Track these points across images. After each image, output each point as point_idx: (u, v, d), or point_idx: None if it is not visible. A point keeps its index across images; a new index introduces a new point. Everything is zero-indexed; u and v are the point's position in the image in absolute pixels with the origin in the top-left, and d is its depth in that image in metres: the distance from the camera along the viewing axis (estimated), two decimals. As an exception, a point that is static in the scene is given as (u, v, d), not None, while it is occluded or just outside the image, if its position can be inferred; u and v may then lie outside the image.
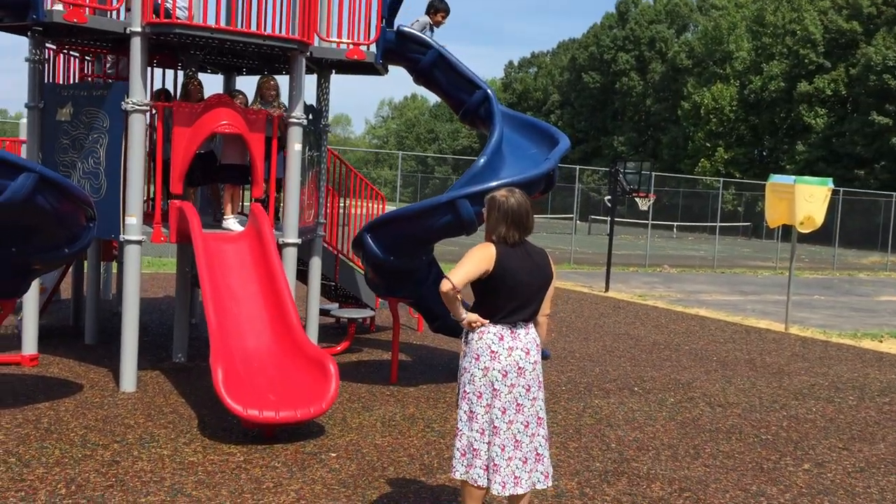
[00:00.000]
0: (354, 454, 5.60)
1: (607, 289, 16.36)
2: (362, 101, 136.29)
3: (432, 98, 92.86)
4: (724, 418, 7.11)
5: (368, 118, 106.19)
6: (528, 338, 4.10)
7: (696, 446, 6.24)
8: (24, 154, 8.42)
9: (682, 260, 26.42)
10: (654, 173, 19.44)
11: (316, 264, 8.74)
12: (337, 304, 10.01)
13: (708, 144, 51.75)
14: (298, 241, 7.70)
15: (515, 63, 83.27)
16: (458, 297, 4.03)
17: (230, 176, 7.72)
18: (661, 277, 20.22)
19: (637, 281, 18.90)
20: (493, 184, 6.73)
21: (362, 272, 9.76)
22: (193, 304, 9.41)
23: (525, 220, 4.12)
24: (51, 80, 7.94)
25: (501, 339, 4.05)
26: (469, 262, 4.02)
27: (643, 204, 17.49)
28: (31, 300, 7.54)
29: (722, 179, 32.90)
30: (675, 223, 42.98)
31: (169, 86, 8.89)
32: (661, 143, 57.85)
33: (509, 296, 4.04)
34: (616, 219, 17.29)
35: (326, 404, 5.80)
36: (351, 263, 9.87)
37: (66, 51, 8.35)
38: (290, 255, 7.61)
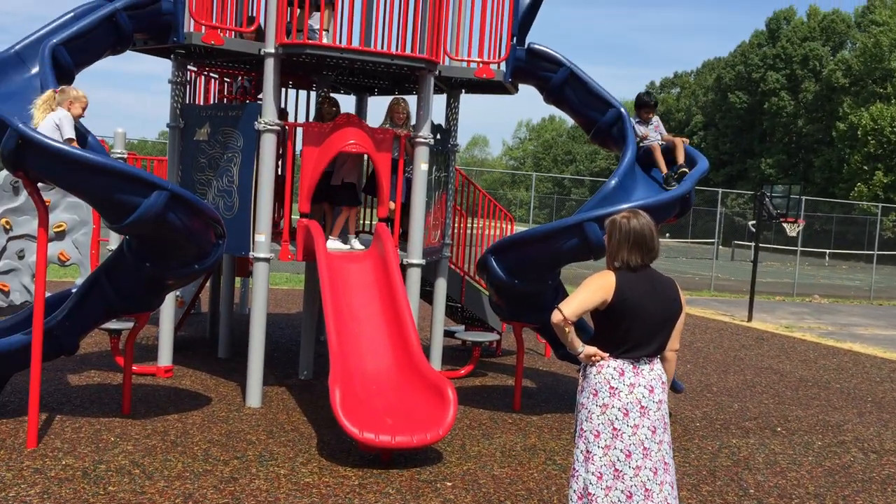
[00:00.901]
0: (471, 484, 5.39)
1: (750, 318, 15.48)
2: (500, 123, 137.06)
3: (570, 119, 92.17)
4: (879, 467, 6.45)
5: (506, 139, 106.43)
6: (652, 374, 3.79)
7: (845, 497, 5.67)
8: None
9: (835, 290, 24.77)
10: (804, 197, 18.33)
11: (441, 285, 8.63)
12: (463, 327, 9.87)
13: (865, 168, 48.66)
14: (423, 261, 7.61)
15: (657, 83, 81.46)
16: (572, 328, 3.76)
17: (349, 197, 7.73)
18: (811, 308, 18.98)
19: (783, 311, 17.82)
20: (624, 206, 6.41)
21: (488, 294, 9.59)
22: (321, 321, 9.49)
23: (648, 244, 3.81)
24: (191, 101, 8.23)
25: (622, 374, 3.76)
26: (585, 291, 3.76)
27: (791, 230, 16.51)
28: (167, 313, 7.79)
29: (881, 205, 30.75)
30: (828, 250, 40.53)
31: (290, 105, 9.07)
32: (814, 166, 54.93)
33: (631, 328, 3.74)
34: (762, 245, 16.37)
35: (443, 431, 5.63)
36: (477, 285, 9.71)
37: (205, 73, 8.65)
38: (414, 275, 7.53)
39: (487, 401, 7.64)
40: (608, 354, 3.79)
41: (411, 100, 8.13)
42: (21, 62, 6.18)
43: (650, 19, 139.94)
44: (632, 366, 3.77)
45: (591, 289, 3.74)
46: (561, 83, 7.56)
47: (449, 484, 5.38)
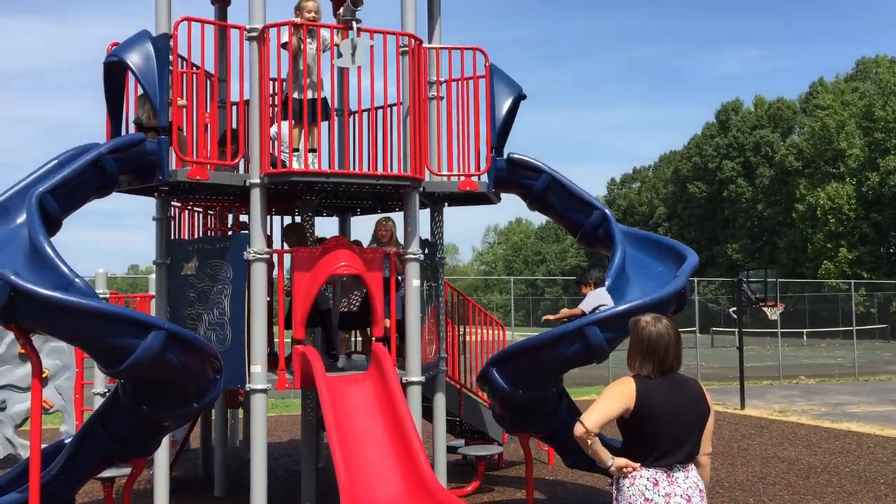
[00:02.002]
0: None
1: (743, 405, 15.36)
2: (468, 229, 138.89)
3: (537, 221, 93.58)
4: (910, 552, 6.29)
5: (475, 245, 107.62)
6: (687, 482, 3.68)
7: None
8: (153, 309, 8.67)
9: (819, 369, 24.79)
10: (779, 280, 18.56)
11: (440, 401, 8.47)
12: (463, 441, 9.66)
13: (829, 246, 49.64)
14: (422, 378, 7.49)
15: (618, 179, 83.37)
16: (596, 440, 3.66)
17: (349, 322, 7.69)
18: (800, 390, 18.92)
19: (774, 395, 17.73)
20: (622, 307, 6.42)
21: (487, 406, 9.44)
22: (319, 448, 9.24)
23: (671, 350, 3.77)
24: (176, 236, 8.21)
25: (656, 484, 3.65)
26: (605, 400, 3.68)
27: (773, 313, 16.63)
28: (161, 455, 7.53)
29: (852, 281, 31.19)
30: (805, 329, 40.80)
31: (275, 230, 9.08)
32: (779, 248, 55.91)
33: (658, 435, 3.65)
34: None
35: (464, 556, 5.40)
36: (475, 397, 9.56)
37: (189, 207, 8.67)
38: (415, 393, 7.39)
39: (500, 517, 7.41)
40: (639, 464, 3.69)
41: (394, 216, 8.21)
42: (6, 213, 6.16)
43: (605, 119, 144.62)
44: (665, 474, 3.66)
45: (612, 397, 3.68)
46: (543, 189, 7.68)
47: None
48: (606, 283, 6.84)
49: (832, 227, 49.34)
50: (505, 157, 7.87)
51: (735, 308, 17.69)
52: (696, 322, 24.55)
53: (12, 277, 5.06)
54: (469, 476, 8.67)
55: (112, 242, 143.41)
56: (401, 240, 7.73)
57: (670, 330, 3.79)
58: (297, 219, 8.95)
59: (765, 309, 16.27)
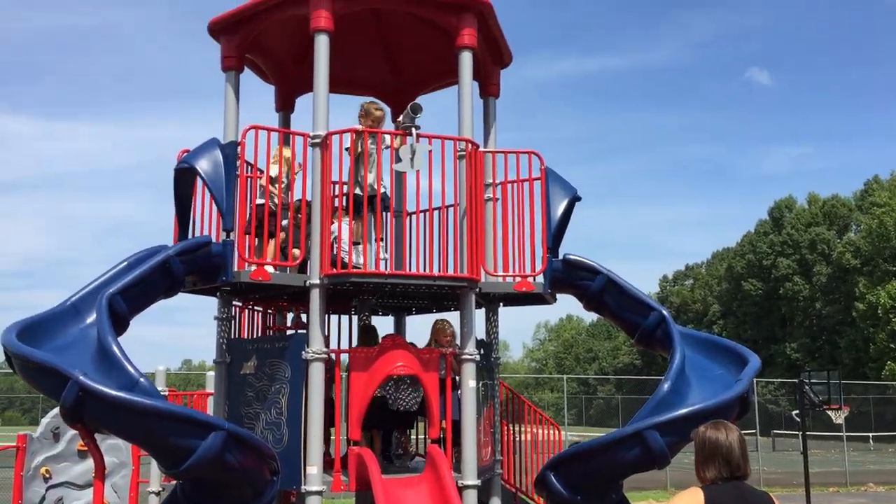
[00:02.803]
0: None
1: (811, 514, 14.71)
2: (519, 326, 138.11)
3: (588, 318, 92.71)
4: None
5: (526, 341, 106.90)
6: None
7: None
8: (210, 407, 8.75)
9: (888, 476, 23.69)
10: (842, 382, 18.00)
11: (496, 505, 8.30)
12: (518, 548, 9.39)
13: (893, 346, 48.15)
14: (478, 482, 7.37)
15: (670, 276, 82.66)
16: None
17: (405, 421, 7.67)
18: (869, 498, 18.08)
19: (841, 503, 16.96)
20: (683, 411, 6.31)
21: (544, 511, 9.21)
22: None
23: (734, 454, 3.69)
24: (236, 335, 8.35)
25: None
26: None
27: (837, 417, 16.07)
28: (214, 557, 7.47)
29: (919, 383, 30.04)
30: (871, 434, 39.22)
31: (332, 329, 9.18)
32: (839, 347, 54.39)
33: None
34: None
35: None
36: (531, 501, 9.34)
37: (249, 306, 8.84)
38: (471, 497, 7.25)
39: None
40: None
41: (450, 316, 8.26)
42: (77, 313, 6.35)
43: (656, 216, 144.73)
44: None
45: None
46: (600, 291, 7.68)
47: None
48: (665, 386, 6.73)
49: (895, 325, 47.96)
50: (560, 257, 7.92)
51: (798, 411, 17.15)
52: (756, 424, 23.83)
53: (81, 378, 5.19)
54: (525, 585, 8.39)
55: (165, 337, 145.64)
56: (456, 340, 7.76)
57: (733, 434, 3.72)
58: (354, 318, 9.06)
59: (829, 412, 15.74)
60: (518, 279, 7.84)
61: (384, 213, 8.04)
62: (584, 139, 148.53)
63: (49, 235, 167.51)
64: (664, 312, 7.46)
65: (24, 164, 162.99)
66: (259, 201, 7.46)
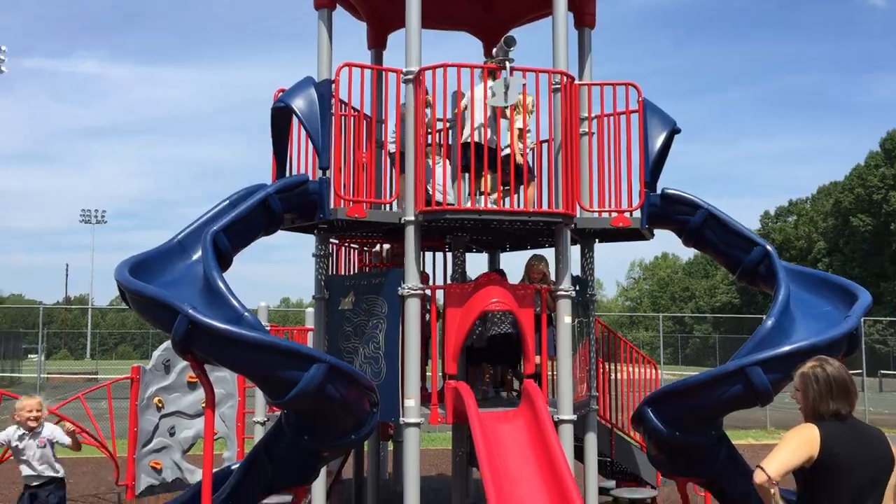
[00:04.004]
0: None
1: (920, 456, 14.19)
2: (613, 265, 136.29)
3: (685, 255, 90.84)
4: None
5: (620, 280, 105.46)
6: (871, 538, 3.43)
7: None
8: (310, 342, 9.00)
9: None
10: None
11: (592, 440, 8.33)
12: (614, 482, 9.42)
13: None
14: (574, 417, 7.39)
15: (772, 212, 79.90)
16: (776, 488, 3.48)
17: (499, 351, 7.71)
18: (985, 440, 17.31)
19: (955, 445, 16.30)
20: (788, 348, 6.11)
21: (640, 447, 9.19)
22: (467, 484, 9.25)
23: (851, 389, 3.57)
24: (333, 272, 8.52)
25: (835, 539, 3.42)
26: (788, 447, 3.50)
27: (952, 356, 15.31)
28: (319, 485, 7.76)
29: None
30: None
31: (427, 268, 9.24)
32: (954, 285, 51.82)
33: (841, 486, 3.43)
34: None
35: None
36: (628, 438, 9.32)
37: (346, 243, 8.99)
38: (567, 432, 7.30)
39: (655, 564, 7.14)
40: (817, 516, 3.48)
41: (545, 252, 8.19)
42: (183, 250, 6.56)
43: (758, 150, 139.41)
44: (846, 528, 3.43)
45: (795, 445, 3.49)
46: (700, 225, 7.46)
47: None
48: (769, 322, 6.53)
49: None
50: (659, 192, 7.72)
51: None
52: (862, 364, 23.03)
53: (190, 311, 5.39)
54: (621, 519, 8.43)
55: (264, 276, 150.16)
56: (551, 276, 7.72)
57: (842, 371, 3.59)
58: (449, 255, 9.09)
59: (942, 351, 15.03)
60: (614, 214, 7.70)
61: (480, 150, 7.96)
62: (683, 71, 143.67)
63: (149, 178, 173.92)
64: (768, 247, 7.20)
65: (124, 109, 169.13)
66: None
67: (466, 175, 7.94)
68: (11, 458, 7.55)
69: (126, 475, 10.38)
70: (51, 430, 7.08)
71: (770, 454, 3.51)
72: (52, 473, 7.02)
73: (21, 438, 6.92)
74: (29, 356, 44.12)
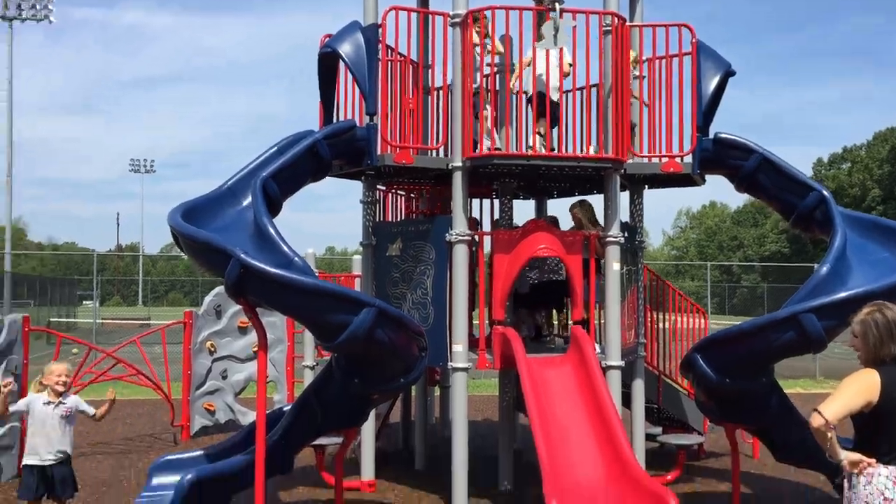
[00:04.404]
0: None
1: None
2: (659, 213, 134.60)
3: (733, 203, 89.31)
4: None
5: (666, 229, 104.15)
6: (931, 482, 3.39)
7: None
8: (357, 288, 9.08)
9: None
10: None
11: (639, 387, 8.33)
12: (660, 429, 9.42)
13: None
14: (622, 363, 7.39)
15: (825, 160, 77.93)
16: (834, 433, 3.44)
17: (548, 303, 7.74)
18: None
19: None
20: (843, 294, 6.02)
21: (687, 394, 9.16)
22: (514, 429, 9.33)
23: None
24: (381, 219, 8.55)
25: (896, 483, 3.38)
26: (847, 392, 3.45)
27: None
28: (368, 427, 7.89)
29: None
30: None
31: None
32: None
33: None
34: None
35: (671, 544, 5.29)
36: (675, 385, 9.30)
37: (393, 190, 8.99)
38: (615, 378, 7.30)
39: (702, 509, 7.16)
40: (875, 461, 3.44)
41: (593, 199, 8.12)
42: (233, 196, 6.62)
43: (811, 96, 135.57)
44: (906, 473, 3.39)
45: (854, 390, 3.44)
46: (753, 170, 7.31)
47: None
48: (824, 268, 6.41)
49: None
50: (711, 136, 7.56)
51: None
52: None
53: (242, 256, 5.46)
54: (666, 465, 8.44)
55: (309, 224, 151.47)
56: (601, 222, 7.65)
57: None
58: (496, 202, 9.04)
59: None
60: (665, 160, 7.56)
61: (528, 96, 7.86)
62: (736, 14, 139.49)
63: (197, 127, 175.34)
64: (824, 192, 7.04)
65: (172, 58, 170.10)
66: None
67: (514, 120, 7.85)
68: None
69: (181, 416, 10.68)
70: (75, 400, 6.14)
71: (828, 399, 3.47)
72: (67, 449, 5.99)
73: (45, 406, 5.93)
74: (83, 302, 45.38)
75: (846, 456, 3.47)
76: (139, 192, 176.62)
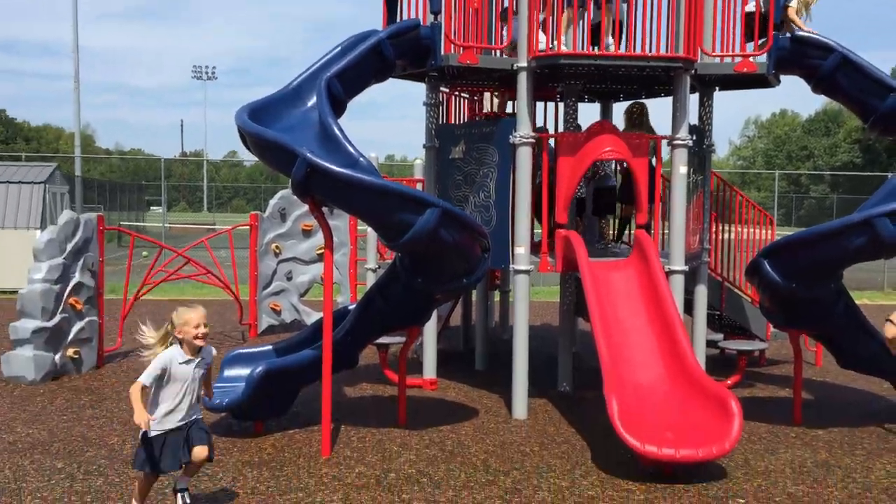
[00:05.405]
0: (766, 502, 5.07)
1: None
2: (725, 121, 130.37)
3: (805, 112, 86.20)
4: None
5: (732, 139, 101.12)
6: None
7: None
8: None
9: None
10: None
11: (702, 292, 8.28)
12: (721, 335, 9.39)
13: None
14: (685, 268, 7.33)
15: (903, 66, 74.21)
16: None
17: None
18: None
19: None
20: (925, 199, 5.82)
21: (751, 301, 9.08)
22: (574, 333, 9.41)
23: None
24: (444, 121, 8.48)
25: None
26: None
27: None
28: (430, 328, 8.05)
29: None
30: None
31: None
32: None
33: None
34: None
35: (730, 444, 5.35)
36: (739, 291, 9.21)
37: (456, 93, 8.89)
38: (678, 282, 7.26)
39: (763, 413, 7.18)
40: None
41: (663, 101, 7.92)
42: (298, 97, 6.62)
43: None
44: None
45: None
46: (832, 70, 7.02)
47: (741, 501, 5.09)
48: (903, 172, 6.20)
49: None
50: (788, 34, 7.25)
51: None
52: None
53: (308, 155, 5.50)
54: (727, 371, 8.45)
55: (368, 132, 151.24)
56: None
57: None
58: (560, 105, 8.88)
59: None
60: (738, 59, 7.29)
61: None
62: None
63: (259, 34, 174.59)
64: (906, 93, 6.74)
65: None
66: None
67: (581, 21, 7.63)
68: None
69: (249, 315, 11.02)
70: (212, 353, 4.81)
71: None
72: (197, 414, 4.71)
73: (183, 365, 4.58)
74: (151, 208, 46.50)
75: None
76: (202, 100, 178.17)
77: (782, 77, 7.77)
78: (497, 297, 11.36)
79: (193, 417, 4.64)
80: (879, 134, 7.21)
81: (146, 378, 4.45)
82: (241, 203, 71.45)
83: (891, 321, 3.35)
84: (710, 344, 8.87)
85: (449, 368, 8.75)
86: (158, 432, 4.54)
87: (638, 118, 8.21)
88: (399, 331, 6.98)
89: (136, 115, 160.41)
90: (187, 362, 4.59)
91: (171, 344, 4.61)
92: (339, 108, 6.47)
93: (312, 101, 6.48)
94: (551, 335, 10.54)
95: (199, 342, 4.59)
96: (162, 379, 4.52)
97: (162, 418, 4.53)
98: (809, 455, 6.03)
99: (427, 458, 5.88)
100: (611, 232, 9.19)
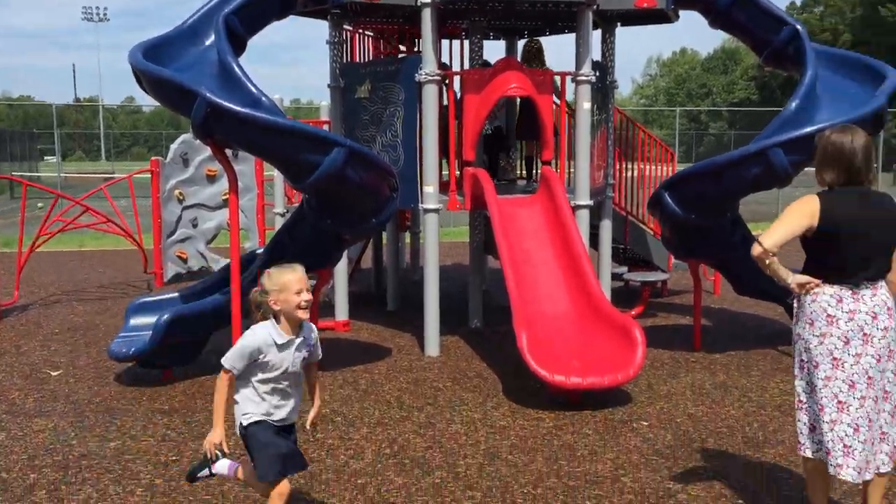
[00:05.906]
0: (668, 423, 5.31)
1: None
2: (628, 60, 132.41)
3: (704, 50, 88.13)
4: None
5: (635, 77, 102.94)
6: (875, 300, 3.54)
7: None
8: (327, 133, 8.96)
9: None
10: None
11: (607, 227, 8.49)
12: (626, 268, 9.68)
13: None
14: (590, 202, 7.48)
15: (798, 3, 76.56)
16: (774, 259, 3.54)
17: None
18: None
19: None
20: (809, 129, 6.06)
21: (653, 233, 9.36)
22: (483, 271, 9.53)
23: (860, 164, 3.55)
24: (348, 61, 8.33)
25: (840, 301, 3.53)
26: (786, 219, 3.55)
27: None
28: (340, 271, 8.01)
29: None
30: None
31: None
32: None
33: (845, 251, 3.50)
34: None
35: (634, 371, 5.56)
36: (642, 225, 9.48)
37: (360, 31, 8.73)
38: (583, 217, 7.41)
39: (665, 341, 7.47)
40: (821, 281, 3.57)
41: (565, 38, 7.96)
42: (195, 34, 6.37)
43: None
44: (850, 291, 3.53)
45: (793, 216, 3.54)
46: (729, 5, 7.16)
47: (645, 423, 5.32)
48: (793, 104, 6.42)
49: None
50: (686, -30, 7.36)
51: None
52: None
53: (208, 95, 5.33)
54: (631, 302, 8.73)
55: (272, 78, 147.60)
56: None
57: (859, 139, 3.55)
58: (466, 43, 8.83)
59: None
60: (639, -5, 7.37)
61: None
62: None
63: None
64: (798, 27, 6.95)
65: None
66: None
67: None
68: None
69: (154, 264, 10.73)
70: (313, 330, 3.69)
71: (770, 227, 3.56)
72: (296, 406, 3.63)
73: (284, 347, 3.49)
74: (45, 158, 44.44)
75: (794, 278, 3.58)
76: (94, 43, 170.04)
77: (683, 14, 7.92)
78: (408, 238, 11.37)
79: (293, 418, 3.60)
80: (774, 67, 7.44)
81: (230, 360, 3.42)
82: (141, 151, 68.98)
83: (757, 241, 3.51)
84: (616, 277, 9.13)
85: (361, 310, 8.76)
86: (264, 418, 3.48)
87: (536, 55, 8.26)
88: (309, 273, 6.91)
89: (23, 60, 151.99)
90: (286, 344, 3.47)
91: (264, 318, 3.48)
92: (239, 46, 6.26)
93: (210, 39, 6.26)
94: (462, 275, 10.64)
95: (301, 314, 3.46)
96: (256, 367, 3.45)
97: (265, 415, 3.50)
98: (708, 378, 6.32)
99: (341, 397, 5.91)
100: (519, 172, 9.28)
